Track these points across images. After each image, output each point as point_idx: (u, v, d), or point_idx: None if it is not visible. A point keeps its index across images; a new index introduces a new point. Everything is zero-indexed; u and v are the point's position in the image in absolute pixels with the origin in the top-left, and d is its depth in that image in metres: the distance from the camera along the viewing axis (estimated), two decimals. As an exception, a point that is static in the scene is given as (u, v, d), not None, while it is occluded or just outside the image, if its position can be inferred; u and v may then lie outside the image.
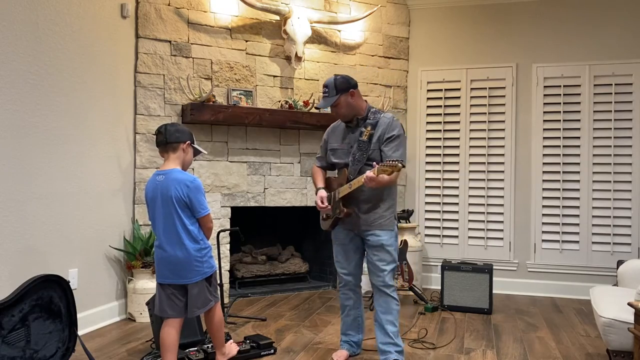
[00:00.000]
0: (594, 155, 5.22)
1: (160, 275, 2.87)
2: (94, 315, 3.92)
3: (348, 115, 3.14)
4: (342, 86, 3.06)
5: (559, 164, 5.31)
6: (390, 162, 2.79)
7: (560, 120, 5.31)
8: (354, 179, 3.01)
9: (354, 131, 3.15)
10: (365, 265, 3.30)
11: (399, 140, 3.06)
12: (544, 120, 5.35)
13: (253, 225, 5.21)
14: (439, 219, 5.62)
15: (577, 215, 5.25)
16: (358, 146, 3.08)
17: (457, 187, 5.57)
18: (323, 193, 3.18)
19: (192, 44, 4.65)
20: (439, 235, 5.62)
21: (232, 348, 3.21)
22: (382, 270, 3.12)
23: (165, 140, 2.84)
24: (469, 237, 5.52)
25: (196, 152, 3.00)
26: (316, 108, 2.85)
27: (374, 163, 2.92)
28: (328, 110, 5.10)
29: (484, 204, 5.49)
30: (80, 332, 3.18)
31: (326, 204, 3.15)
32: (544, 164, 5.35)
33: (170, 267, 2.83)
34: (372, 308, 3.42)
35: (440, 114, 5.62)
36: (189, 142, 2.91)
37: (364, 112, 3.14)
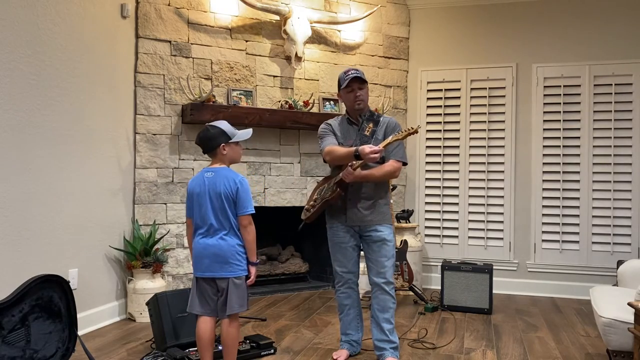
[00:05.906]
0: (594, 155, 5.22)
1: (203, 269, 2.82)
2: (94, 315, 3.92)
3: (364, 105, 3.29)
4: (365, 77, 3.30)
5: (559, 164, 5.31)
6: (407, 128, 3.03)
7: (560, 120, 5.31)
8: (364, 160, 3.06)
9: (357, 128, 3.30)
10: (362, 264, 3.31)
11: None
12: (544, 120, 5.35)
13: (253, 225, 5.20)
14: (439, 219, 5.62)
15: (577, 216, 5.25)
16: (361, 141, 3.21)
17: (457, 187, 5.57)
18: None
19: (192, 44, 4.66)
20: (439, 235, 5.62)
21: None
22: (384, 267, 3.19)
23: (204, 150, 2.95)
24: (469, 237, 5.52)
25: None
26: (355, 75, 2.90)
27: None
28: (328, 110, 5.16)
29: (484, 204, 5.49)
30: (80, 332, 3.18)
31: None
32: (544, 164, 5.35)
33: (214, 259, 2.80)
34: None
35: (440, 114, 5.62)
36: (223, 144, 2.92)
37: (366, 110, 3.34)
